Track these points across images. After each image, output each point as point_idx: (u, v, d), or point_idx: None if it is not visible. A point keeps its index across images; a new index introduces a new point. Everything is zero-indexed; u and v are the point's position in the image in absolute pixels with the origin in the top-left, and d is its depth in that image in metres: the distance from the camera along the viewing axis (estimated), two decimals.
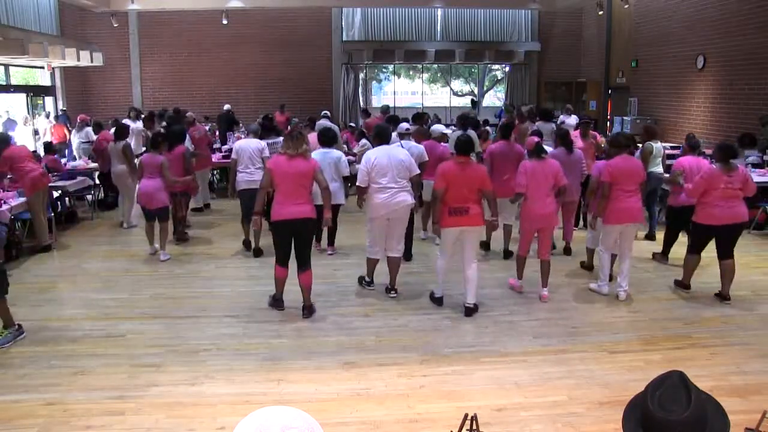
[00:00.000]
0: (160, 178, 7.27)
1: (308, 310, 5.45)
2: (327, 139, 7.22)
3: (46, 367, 4.50)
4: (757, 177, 8.65)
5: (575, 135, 8.45)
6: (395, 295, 5.95)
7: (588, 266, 6.80)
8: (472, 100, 18.29)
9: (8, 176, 7.71)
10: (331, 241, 7.50)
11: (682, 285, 6.15)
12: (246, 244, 7.60)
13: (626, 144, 6.05)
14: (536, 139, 6.19)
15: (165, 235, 7.34)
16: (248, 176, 7.37)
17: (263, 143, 7.67)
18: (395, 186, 5.72)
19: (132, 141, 9.73)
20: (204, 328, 5.22)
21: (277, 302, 5.61)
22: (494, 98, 22.30)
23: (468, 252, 5.46)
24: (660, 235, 7.74)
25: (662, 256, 7.18)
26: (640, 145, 8.23)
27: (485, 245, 7.52)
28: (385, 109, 13.84)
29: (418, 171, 5.98)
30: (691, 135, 10.56)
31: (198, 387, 4.18)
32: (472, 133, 8.48)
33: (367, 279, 6.19)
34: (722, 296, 5.86)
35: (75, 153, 12.07)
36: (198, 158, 9.46)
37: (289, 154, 5.28)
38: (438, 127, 8.02)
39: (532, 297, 5.91)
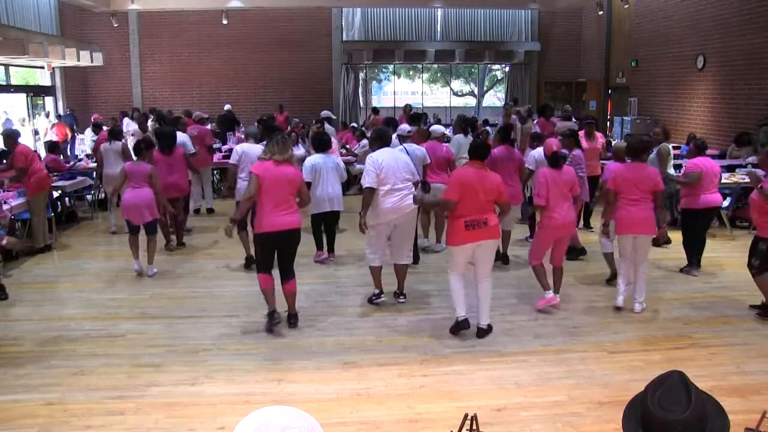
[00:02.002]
0: (148, 188, 6.58)
1: (294, 319, 5.20)
2: (323, 144, 7.02)
3: (46, 367, 4.50)
4: None
5: (580, 136, 8.35)
6: (404, 300, 5.79)
7: (612, 276, 6.20)
8: (515, 99, 18.02)
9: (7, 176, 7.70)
10: (330, 248, 7.24)
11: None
12: (249, 260, 6.83)
13: (644, 149, 5.62)
14: (556, 143, 5.78)
15: (154, 247, 6.73)
16: None
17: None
18: (404, 189, 5.48)
19: (131, 142, 9.67)
20: (204, 328, 5.22)
21: (271, 318, 5.09)
22: (494, 98, 22.32)
23: (482, 267, 4.95)
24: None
25: (693, 266, 6.63)
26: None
27: (504, 258, 7.00)
28: (409, 109, 13.70)
29: (419, 176, 5.78)
30: (692, 135, 10.53)
31: (198, 387, 4.18)
32: (459, 136, 8.25)
33: (375, 291, 5.75)
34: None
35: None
36: (195, 158, 9.45)
37: (276, 160, 4.91)
38: (438, 128, 7.83)
39: (531, 297, 5.89)
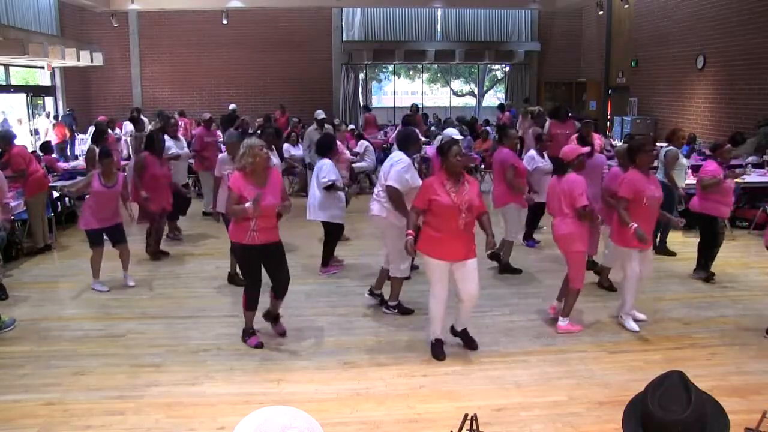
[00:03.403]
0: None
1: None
2: (319, 149, 6.67)
3: (46, 367, 4.50)
4: (757, 177, 8.67)
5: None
6: (387, 310, 5.46)
7: (605, 285, 6.12)
8: (526, 99, 17.76)
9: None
10: (323, 261, 6.68)
11: None
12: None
13: (636, 151, 5.01)
14: (568, 147, 5.30)
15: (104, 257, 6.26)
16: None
17: None
18: (379, 194, 5.41)
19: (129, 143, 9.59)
20: (204, 328, 5.22)
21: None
22: (494, 98, 22.33)
23: None
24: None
25: (699, 269, 6.48)
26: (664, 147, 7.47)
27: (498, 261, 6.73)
28: (415, 109, 13.55)
29: (391, 182, 5.18)
30: (692, 135, 10.44)
31: (198, 387, 4.18)
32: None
33: (391, 303, 5.56)
34: None
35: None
36: (197, 159, 9.42)
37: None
38: (450, 132, 6.96)
39: (532, 297, 5.90)
